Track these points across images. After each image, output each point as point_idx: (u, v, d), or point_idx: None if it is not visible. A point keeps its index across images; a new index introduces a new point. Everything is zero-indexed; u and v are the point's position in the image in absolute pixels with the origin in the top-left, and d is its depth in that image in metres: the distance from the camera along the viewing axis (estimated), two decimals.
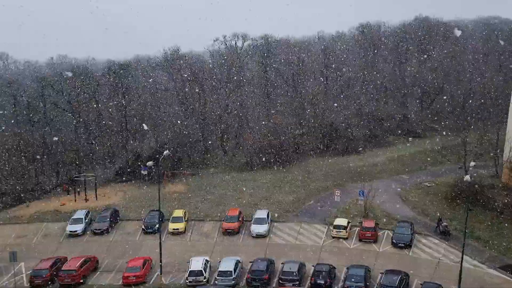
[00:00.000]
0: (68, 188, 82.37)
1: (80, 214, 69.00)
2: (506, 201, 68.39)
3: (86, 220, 68.01)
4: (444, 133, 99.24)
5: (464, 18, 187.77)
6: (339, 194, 72.30)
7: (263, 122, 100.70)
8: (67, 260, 57.88)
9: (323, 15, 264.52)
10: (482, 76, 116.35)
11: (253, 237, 64.31)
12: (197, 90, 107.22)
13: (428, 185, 79.85)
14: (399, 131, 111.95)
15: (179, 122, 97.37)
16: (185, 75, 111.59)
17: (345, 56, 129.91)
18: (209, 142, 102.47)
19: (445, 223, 62.88)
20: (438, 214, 65.21)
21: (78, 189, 79.89)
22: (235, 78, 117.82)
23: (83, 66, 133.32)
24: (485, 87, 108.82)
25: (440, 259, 57.53)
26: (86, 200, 77.82)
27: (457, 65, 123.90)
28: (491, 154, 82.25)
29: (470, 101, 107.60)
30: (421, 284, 51.03)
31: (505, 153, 74.40)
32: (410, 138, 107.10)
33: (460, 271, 48.99)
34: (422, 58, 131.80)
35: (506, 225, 64.26)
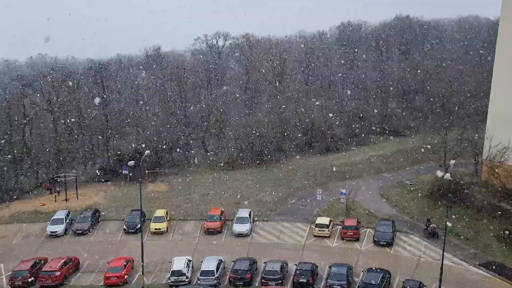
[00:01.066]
0: (51, 187, 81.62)
1: (61, 214, 68.38)
2: (485, 198, 69.07)
3: (66, 221, 67.44)
4: (424, 131, 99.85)
5: (444, 18, 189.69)
6: (321, 193, 72.58)
7: (245, 121, 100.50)
8: (47, 261, 57.30)
9: (307, 15, 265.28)
10: (462, 75, 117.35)
11: (235, 236, 64.30)
12: (178, 89, 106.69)
13: (409, 183, 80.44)
14: (380, 130, 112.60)
15: (160, 121, 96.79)
16: (166, 74, 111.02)
17: (326, 55, 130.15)
18: (191, 141, 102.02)
19: (433, 225, 63.14)
20: (429, 217, 65.20)
21: (59, 189, 79.13)
22: (216, 77, 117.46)
23: (63, 65, 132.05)
24: (465, 86, 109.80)
25: (421, 257, 58.02)
26: (67, 200, 77.09)
27: (437, 64, 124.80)
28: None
29: (450, 99, 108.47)
30: (402, 281, 51.46)
31: (484, 152, 75.03)
32: (391, 137, 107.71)
33: (441, 268, 49.30)
34: (402, 57, 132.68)
35: (486, 222, 64.87)
